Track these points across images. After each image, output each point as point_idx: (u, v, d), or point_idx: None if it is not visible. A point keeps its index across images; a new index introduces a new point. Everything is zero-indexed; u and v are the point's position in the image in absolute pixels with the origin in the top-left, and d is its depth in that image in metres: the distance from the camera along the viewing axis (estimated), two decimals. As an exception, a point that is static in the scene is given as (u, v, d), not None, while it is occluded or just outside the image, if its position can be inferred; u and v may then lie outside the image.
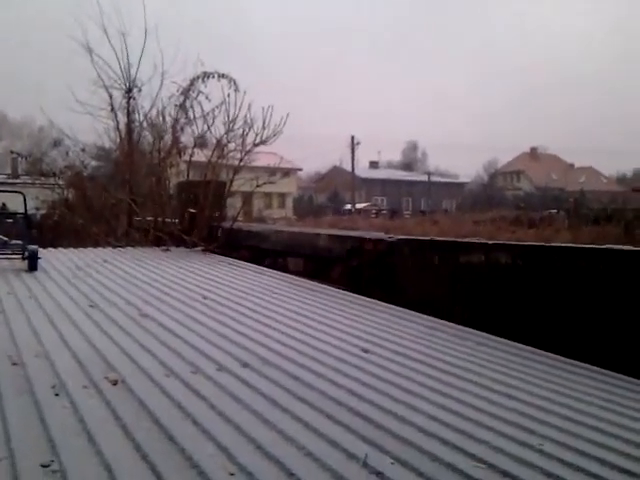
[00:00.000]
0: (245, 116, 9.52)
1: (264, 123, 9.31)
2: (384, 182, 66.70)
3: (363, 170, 64.45)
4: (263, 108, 9.33)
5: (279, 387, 2.90)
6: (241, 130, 9.62)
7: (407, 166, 79.21)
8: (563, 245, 4.51)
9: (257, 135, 9.47)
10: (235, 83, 9.80)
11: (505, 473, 2.07)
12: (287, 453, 2.15)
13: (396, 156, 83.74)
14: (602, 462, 2.22)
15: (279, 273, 6.58)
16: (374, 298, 5.26)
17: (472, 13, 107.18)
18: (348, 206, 49.35)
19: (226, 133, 9.73)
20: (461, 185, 72.27)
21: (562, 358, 3.70)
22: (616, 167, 77.53)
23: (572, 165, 77.76)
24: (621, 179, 75.37)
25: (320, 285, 5.84)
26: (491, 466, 2.12)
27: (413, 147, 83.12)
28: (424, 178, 65.19)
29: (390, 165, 79.76)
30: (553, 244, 4.44)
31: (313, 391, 2.87)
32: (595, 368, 3.56)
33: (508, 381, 3.20)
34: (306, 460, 2.11)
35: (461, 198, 64.39)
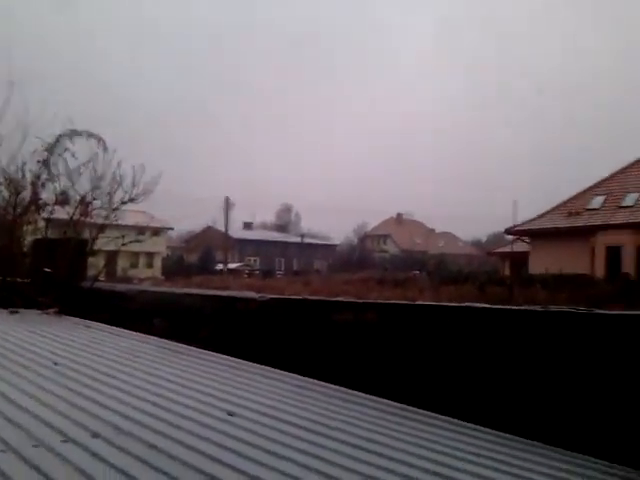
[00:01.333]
0: (114, 174, 9.28)
1: (134, 181, 9.11)
2: (258, 243, 67.02)
3: (237, 231, 64.42)
4: (133, 167, 9.17)
5: (134, 458, 2.65)
6: (108, 187, 9.33)
7: (281, 227, 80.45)
8: (426, 303, 4.70)
9: (126, 193, 9.23)
10: (104, 142, 9.57)
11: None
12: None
13: (270, 218, 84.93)
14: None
15: (142, 335, 6.21)
16: (244, 358, 5.10)
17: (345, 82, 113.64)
18: (220, 266, 48.72)
19: (92, 190, 9.38)
20: (332, 247, 74.51)
21: (429, 413, 3.76)
22: (472, 233, 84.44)
23: (433, 230, 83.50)
24: (476, 243, 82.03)
25: (186, 346, 5.58)
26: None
27: (287, 209, 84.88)
28: (297, 239, 66.47)
29: (264, 226, 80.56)
30: (417, 302, 4.62)
31: (173, 461, 2.65)
32: (471, 425, 3.59)
33: (380, 439, 3.17)
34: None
35: (332, 259, 66.22)
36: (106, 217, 9.47)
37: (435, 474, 2.66)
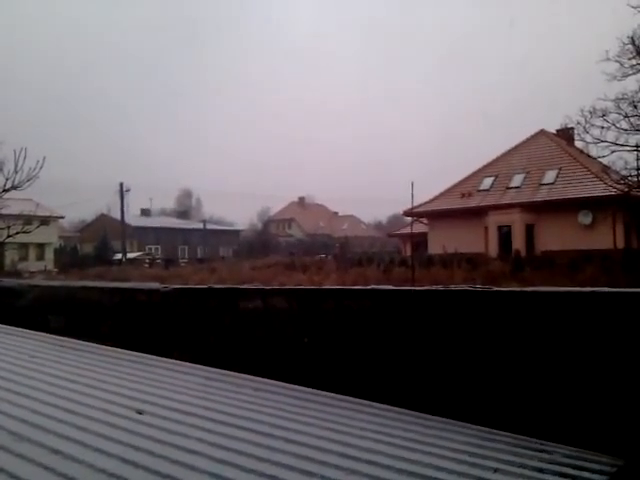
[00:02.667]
0: (-7, 158, 8.56)
1: (16, 166, 8.47)
2: (158, 230, 64.84)
3: (134, 218, 61.91)
4: (15, 151, 8.51)
5: (36, 465, 2.50)
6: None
7: (182, 214, 78.32)
8: (332, 288, 4.77)
9: (7, 180, 8.57)
10: (-19, 123, 8.80)
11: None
12: None
13: (170, 204, 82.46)
14: (378, 494, 2.30)
15: (37, 333, 5.84)
16: (150, 352, 4.93)
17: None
18: (118, 256, 46.70)
19: (-32, 178, 8.62)
20: (237, 232, 73.63)
21: (337, 395, 3.84)
22: (373, 215, 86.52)
23: (336, 213, 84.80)
24: (378, 225, 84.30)
25: (86, 343, 5.31)
26: (275, 519, 2.05)
27: (187, 195, 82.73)
28: (200, 226, 65.02)
29: (164, 213, 78.09)
30: (323, 287, 4.67)
31: (79, 464, 2.53)
32: (365, 401, 3.76)
33: (286, 425, 3.20)
34: None
35: (237, 245, 65.48)
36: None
37: (352, 457, 2.72)
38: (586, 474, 2.59)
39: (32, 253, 48.39)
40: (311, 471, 2.51)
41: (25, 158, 8.54)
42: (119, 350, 5.07)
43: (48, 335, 5.81)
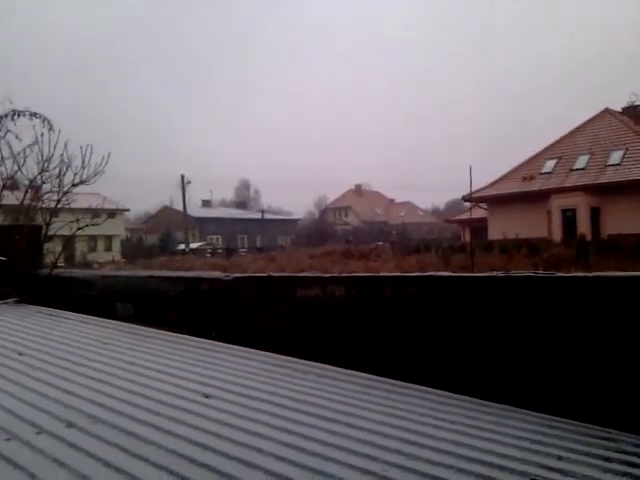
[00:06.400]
0: (61, 155, 8.98)
1: (83, 162, 8.85)
2: (218, 221, 66.29)
3: (195, 209, 63.52)
4: (82, 147, 8.89)
5: (111, 445, 2.64)
6: (57, 170, 9.03)
7: (241, 204, 79.73)
8: (390, 275, 4.77)
9: (76, 175, 8.96)
10: (49, 122, 9.23)
11: (353, 505, 2.07)
12: (123, 520, 1.95)
13: (229, 194, 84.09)
14: None
15: (108, 321, 6.12)
16: (213, 339, 5.10)
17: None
18: (182, 246, 48.08)
19: (40, 173, 9.06)
20: (294, 221, 74.37)
21: (397, 382, 3.86)
22: (430, 201, 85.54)
23: (393, 200, 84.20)
24: (435, 211, 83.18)
25: (154, 330, 5.53)
26: (340, 500, 2.11)
27: (245, 185, 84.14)
28: (258, 216, 66.04)
29: (223, 203, 79.75)
30: (380, 274, 4.69)
31: (150, 446, 2.66)
32: (425, 388, 3.76)
33: (350, 410, 3.25)
34: (145, 525, 1.92)
35: (295, 234, 66.12)
36: (58, 201, 9.18)
37: (413, 443, 2.74)
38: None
39: (100, 245, 50.47)
40: (373, 455, 2.56)
41: (92, 154, 8.91)
42: (185, 337, 5.26)
43: (118, 322, 6.09)
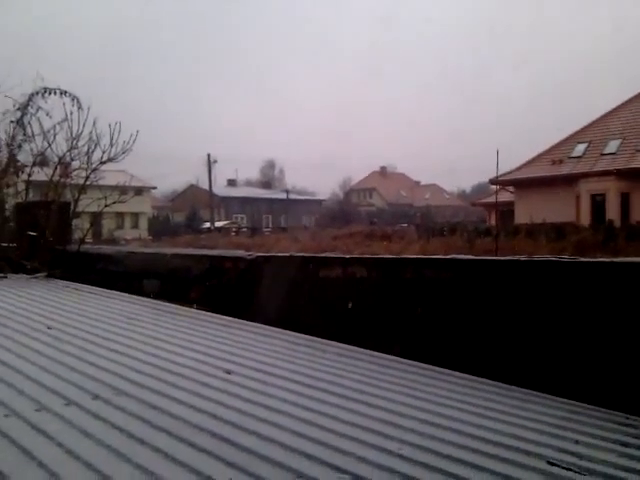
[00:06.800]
0: (90, 133, 9.10)
1: (112, 140, 8.96)
2: (243, 200, 66.63)
3: (221, 188, 63.90)
4: (110, 125, 8.99)
5: (135, 418, 2.72)
6: (86, 147, 9.17)
7: (265, 184, 79.92)
8: (412, 257, 4.77)
9: (104, 152, 9.08)
10: (78, 100, 9.33)
11: (367, 481, 2.11)
12: (145, 488, 2.01)
13: (254, 174, 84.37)
14: (456, 460, 2.34)
15: (134, 297, 6.24)
16: (236, 317, 5.17)
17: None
18: (207, 225, 48.51)
19: (69, 150, 9.21)
20: (318, 202, 74.33)
21: (416, 363, 3.88)
22: (456, 184, 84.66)
23: (418, 182, 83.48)
24: (461, 194, 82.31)
25: (179, 307, 5.63)
26: (354, 476, 2.14)
27: (271, 165, 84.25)
28: (283, 196, 66.17)
29: (248, 183, 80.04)
30: (402, 256, 4.68)
31: (173, 419, 2.73)
32: (447, 370, 3.78)
33: (367, 389, 3.28)
34: (166, 494, 1.98)
35: (319, 214, 66.15)
36: (86, 178, 9.34)
37: (430, 423, 2.76)
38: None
39: (127, 222, 51.18)
40: (390, 434, 2.59)
41: (120, 132, 9.01)
42: (208, 314, 5.34)
43: (143, 299, 6.20)
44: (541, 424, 2.84)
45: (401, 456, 2.35)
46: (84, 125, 9.11)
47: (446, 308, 3.99)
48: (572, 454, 2.47)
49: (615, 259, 3.41)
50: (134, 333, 4.52)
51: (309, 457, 2.31)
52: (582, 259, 3.46)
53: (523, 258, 3.63)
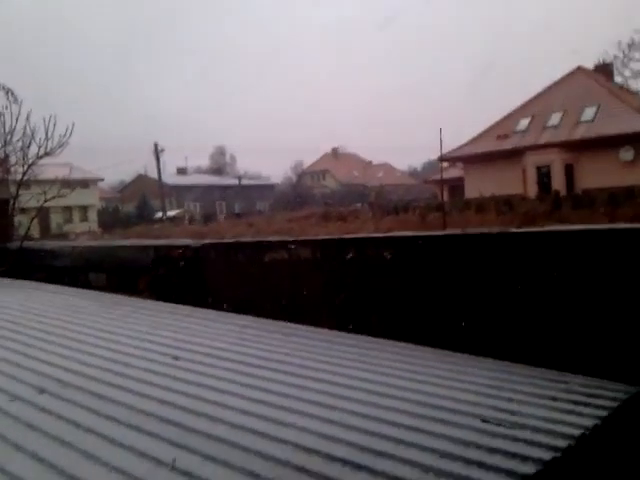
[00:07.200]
0: (24, 127, 8.86)
1: (47, 134, 8.73)
2: (195, 188, 65.63)
3: (171, 177, 62.73)
4: (44, 119, 8.77)
5: (82, 408, 2.73)
6: (21, 142, 8.93)
7: (217, 171, 78.90)
8: (352, 237, 4.84)
9: (40, 147, 8.85)
10: (13, 94, 9.04)
11: (308, 449, 2.19)
12: (91, 472, 2.05)
13: (204, 162, 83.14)
14: (396, 425, 2.45)
15: (80, 290, 6.16)
16: (185, 304, 5.17)
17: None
18: (159, 214, 47.66)
19: (4, 146, 8.95)
20: (272, 187, 73.90)
21: (360, 336, 4.00)
22: (407, 162, 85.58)
23: (370, 162, 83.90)
24: (413, 172, 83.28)
25: (126, 297, 5.59)
26: (296, 445, 2.22)
27: (221, 152, 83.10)
28: (235, 182, 65.53)
29: (199, 170, 78.80)
30: (344, 236, 4.77)
31: (120, 407, 2.75)
32: (390, 341, 3.89)
33: (315, 365, 3.37)
34: (112, 476, 2.02)
35: (273, 199, 65.81)
36: (24, 173, 9.09)
37: (375, 393, 2.87)
38: (599, 401, 2.68)
39: (76, 215, 49.86)
40: (334, 405, 2.68)
41: (55, 125, 8.79)
42: (155, 302, 5.33)
43: (89, 291, 6.13)
44: (477, 385, 2.99)
45: (345, 424, 2.45)
46: (17, 120, 8.86)
47: (387, 282, 4.10)
48: (505, 411, 2.61)
49: (542, 229, 3.57)
50: (79, 326, 4.48)
51: (254, 432, 2.38)
52: (512, 230, 3.62)
53: (457, 232, 3.77)
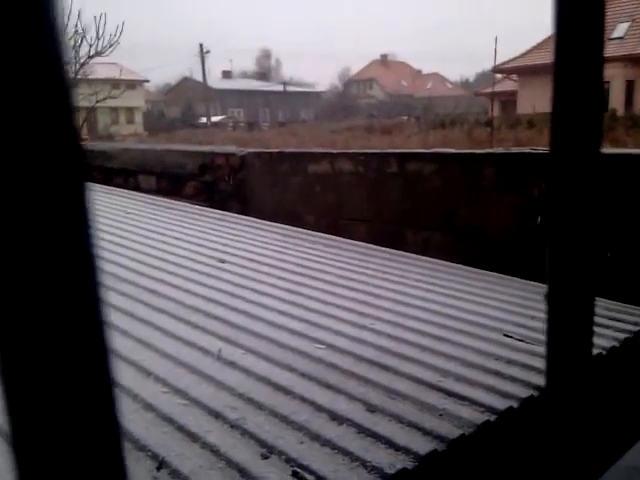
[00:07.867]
0: (76, 26, 8.88)
1: (97, 33, 8.76)
2: (240, 93, 64.90)
3: (216, 81, 62.09)
4: (95, 17, 8.75)
5: (136, 301, 3.01)
6: (72, 41, 8.96)
7: (262, 75, 77.47)
8: (395, 151, 4.89)
9: (91, 46, 8.90)
10: (64, -11, 9.00)
11: (341, 350, 2.40)
12: (145, 357, 2.31)
13: (249, 65, 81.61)
14: (422, 333, 2.64)
15: (131, 192, 6.43)
16: (230, 212, 5.38)
17: None
18: (203, 119, 47.69)
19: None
20: (317, 94, 72.45)
21: (395, 251, 4.15)
22: (460, 72, 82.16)
23: (420, 71, 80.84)
24: (465, 84, 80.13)
25: (174, 202, 5.83)
26: (330, 346, 2.44)
27: (267, 55, 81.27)
28: (280, 88, 64.47)
29: (244, 75, 77.53)
30: (387, 150, 4.81)
31: (170, 301, 3.01)
32: (422, 257, 4.05)
33: (350, 275, 3.56)
34: (163, 360, 2.28)
35: (318, 108, 64.77)
36: (76, 73, 9.20)
37: (403, 303, 3.05)
38: (619, 324, 2.80)
39: (122, 117, 50.35)
40: (365, 312, 2.88)
41: (105, 24, 8.78)
42: (203, 208, 5.55)
43: (140, 194, 6.40)
44: (505, 303, 3.13)
45: (373, 330, 2.65)
46: (69, 17, 8.85)
47: (430, 198, 4.19)
48: (528, 328, 2.76)
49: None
50: (132, 227, 4.75)
51: (291, 331, 2.61)
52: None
53: (501, 150, 3.77)
